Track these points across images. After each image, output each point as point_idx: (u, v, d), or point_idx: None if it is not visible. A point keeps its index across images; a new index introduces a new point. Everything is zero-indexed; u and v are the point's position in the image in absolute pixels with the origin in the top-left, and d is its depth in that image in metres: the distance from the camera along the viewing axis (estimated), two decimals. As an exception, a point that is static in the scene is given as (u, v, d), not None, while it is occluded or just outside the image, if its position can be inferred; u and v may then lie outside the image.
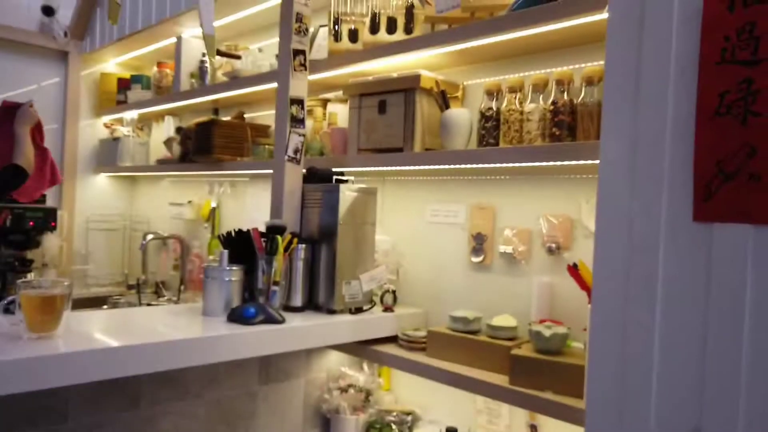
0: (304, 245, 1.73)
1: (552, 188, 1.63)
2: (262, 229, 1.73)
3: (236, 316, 1.51)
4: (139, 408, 1.47)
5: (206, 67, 2.62)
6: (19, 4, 3.07)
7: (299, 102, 1.85)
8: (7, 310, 1.30)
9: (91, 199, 3.38)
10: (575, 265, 1.36)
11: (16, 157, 2.07)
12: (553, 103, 1.46)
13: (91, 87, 3.37)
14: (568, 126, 1.44)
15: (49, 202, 2.86)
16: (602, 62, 1.35)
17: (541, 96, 1.52)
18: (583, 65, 1.54)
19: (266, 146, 2.26)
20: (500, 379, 1.42)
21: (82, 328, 1.38)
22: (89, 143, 3.38)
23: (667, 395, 0.99)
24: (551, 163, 1.40)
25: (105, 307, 2.86)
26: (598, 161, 1.12)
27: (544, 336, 1.37)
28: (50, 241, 2.94)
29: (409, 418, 1.84)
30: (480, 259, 1.74)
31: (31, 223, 2.63)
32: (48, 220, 2.70)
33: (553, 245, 1.58)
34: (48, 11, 3.08)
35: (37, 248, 2.79)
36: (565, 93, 1.46)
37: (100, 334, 1.35)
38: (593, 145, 1.30)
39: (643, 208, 1.06)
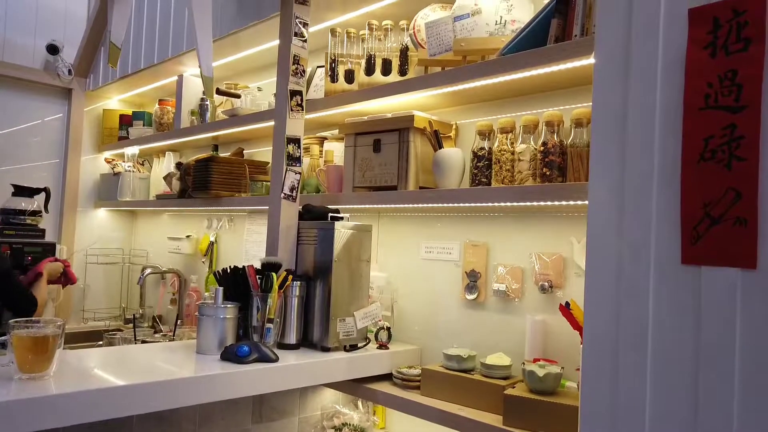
0: (299, 282, 1.74)
1: (543, 226, 1.64)
2: (258, 265, 1.74)
3: (230, 355, 1.51)
4: (130, 449, 1.46)
5: (206, 104, 2.67)
6: (26, 43, 3.15)
7: (295, 141, 1.88)
8: (2, 345, 1.30)
9: (90, 233, 3.39)
10: (568, 305, 1.37)
11: (34, 289, 2.26)
12: (544, 143, 1.48)
13: (93, 123, 3.43)
14: (559, 166, 1.46)
15: (49, 237, 2.88)
16: (590, 104, 1.38)
17: (532, 137, 1.55)
18: (572, 106, 1.57)
19: (264, 183, 2.29)
20: (494, 419, 1.41)
21: (74, 368, 1.38)
22: (90, 178, 3.41)
23: (659, 438, 0.99)
24: (542, 203, 1.42)
25: (100, 343, 2.85)
26: (587, 202, 1.14)
27: (538, 376, 1.37)
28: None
29: (404, 458, 1.81)
30: (474, 296, 1.75)
31: (29, 258, 2.64)
32: (46, 254, 2.71)
33: (546, 283, 1.58)
34: (53, 50, 3.15)
35: (35, 283, 2.79)
36: (555, 134, 1.49)
37: (92, 374, 1.35)
38: (583, 185, 1.32)
39: (632, 250, 1.07)
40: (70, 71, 3.24)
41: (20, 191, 2.78)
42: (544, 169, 1.47)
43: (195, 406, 1.58)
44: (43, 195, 2.84)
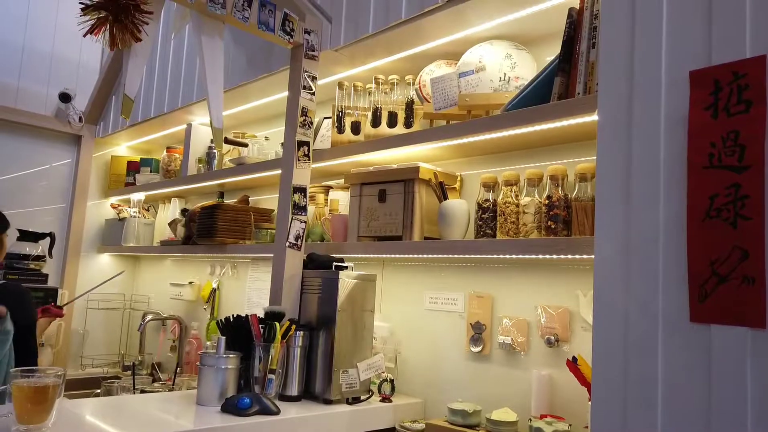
0: (302, 332, 1.73)
1: (549, 278, 1.64)
2: (261, 314, 1.73)
3: (231, 407, 1.48)
4: (126, 505, 1.41)
5: (214, 152, 2.71)
6: (39, 91, 3.22)
7: (302, 190, 1.91)
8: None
9: (92, 277, 3.37)
10: (575, 360, 1.35)
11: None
12: (548, 197, 1.50)
13: (101, 168, 3.47)
14: (563, 220, 1.47)
15: (51, 281, 2.87)
16: (594, 158, 1.40)
17: (536, 190, 1.56)
18: (576, 160, 1.59)
19: (269, 230, 2.30)
20: (501, 479, 1.37)
21: (72, 419, 1.35)
22: (95, 223, 3.43)
23: (672, 504, 0.96)
24: (548, 257, 1.42)
25: (98, 391, 2.80)
26: (593, 256, 1.14)
27: (545, 433, 1.34)
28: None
29: None
30: (479, 348, 1.73)
31: (30, 303, 2.62)
32: (48, 300, 2.70)
33: (552, 337, 1.57)
34: (65, 98, 3.22)
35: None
36: (560, 188, 1.50)
37: (91, 427, 1.32)
38: (588, 240, 1.33)
39: (640, 306, 1.06)
40: (80, 118, 3.31)
41: (25, 236, 2.79)
42: (549, 222, 1.48)
43: (193, 461, 1.54)
44: (47, 240, 2.85)
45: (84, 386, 2.95)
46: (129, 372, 2.91)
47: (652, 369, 1.03)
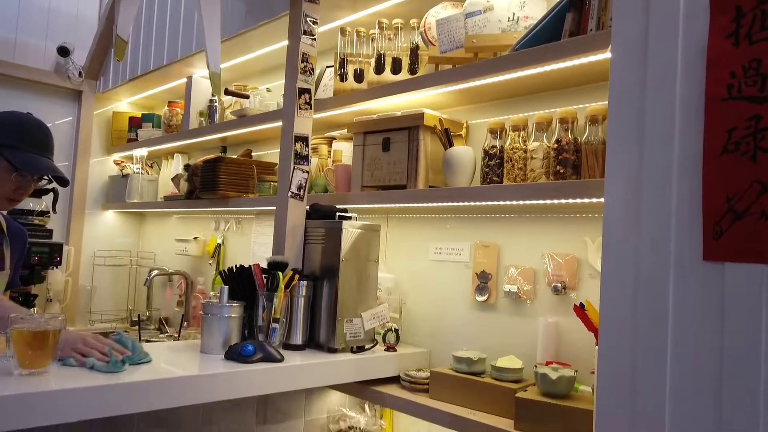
0: (305, 282, 1.71)
1: (557, 227, 1.60)
2: (264, 264, 1.71)
3: (234, 354, 1.48)
4: (132, 449, 1.43)
5: (215, 106, 2.65)
6: (37, 45, 3.16)
7: (303, 139, 1.86)
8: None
9: (98, 234, 3.38)
10: (582, 306, 1.33)
11: None
12: (557, 141, 1.45)
13: (102, 125, 3.43)
14: (573, 164, 1.42)
15: (56, 237, 2.87)
16: (606, 102, 1.34)
17: (545, 134, 1.51)
18: (585, 105, 1.53)
19: (272, 183, 2.27)
20: (505, 423, 1.36)
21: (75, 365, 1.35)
22: (99, 180, 3.41)
23: (680, 443, 0.94)
24: (555, 201, 1.38)
25: (105, 343, 2.82)
26: (603, 199, 1.10)
27: (551, 379, 1.32)
28: (55, 276, 2.94)
29: (412, 464, 1.77)
30: (484, 298, 1.71)
31: (35, 258, 2.63)
32: (53, 255, 2.70)
33: (559, 285, 1.54)
34: (64, 52, 3.16)
35: (42, 283, 2.78)
36: (570, 131, 1.45)
37: (91, 372, 1.32)
38: (598, 183, 1.28)
39: (651, 247, 1.03)
40: (80, 73, 3.25)
41: (28, 191, 2.77)
42: (558, 167, 1.43)
43: (198, 407, 1.54)
44: (51, 195, 2.83)
45: (92, 340, 2.98)
46: (137, 327, 2.94)
47: (663, 310, 1.00)
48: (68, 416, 1.15)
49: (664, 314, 1.00)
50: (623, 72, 1.10)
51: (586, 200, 1.32)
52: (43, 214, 2.77)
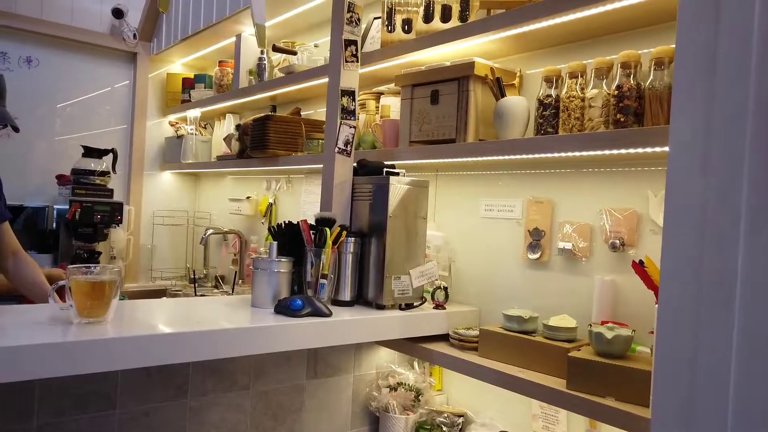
0: (353, 238, 1.70)
1: (615, 181, 1.51)
2: (312, 221, 1.70)
3: (283, 308, 1.49)
4: (186, 398, 1.48)
5: (264, 64, 2.64)
6: (91, 7, 3.22)
7: (350, 93, 1.82)
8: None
9: (156, 194, 3.49)
10: (641, 262, 1.25)
11: None
12: (618, 87, 1.35)
13: (157, 87, 3.49)
14: (635, 112, 1.33)
15: (116, 197, 2.97)
16: (673, 45, 1.23)
17: (605, 81, 1.41)
18: (648, 50, 1.41)
19: (320, 141, 2.25)
20: (557, 383, 1.32)
21: (132, 315, 1.40)
22: (156, 141, 3.50)
23: (745, 407, 0.88)
24: (615, 152, 1.29)
25: (163, 298, 2.94)
26: (667, 148, 1.02)
27: (606, 338, 1.27)
28: (117, 235, 3.06)
29: (461, 420, 1.76)
30: (537, 255, 1.65)
31: (98, 217, 2.74)
32: (114, 214, 2.81)
33: (617, 241, 1.46)
34: (118, 14, 3.21)
35: (105, 241, 2.90)
36: (632, 77, 1.35)
37: (148, 322, 1.36)
38: (662, 130, 1.19)
39: (719, 197, 0.94)
40: (134, 35, 3.30)
41: (89, 152, 2.87)
42: (618, 116, 1.34)
43: (249, 360, 1.58)
44: (110, 156, 2.93)
45: (151, 296, 3.11)
46: (194, 284, 3.04)
47: (731, 267, 0.92)
48: (125, 363, 1.19)
49: (733, 271, 0.92)
50: (693, 6, 1.00)
51: (648, 149, 1.23)
52: (104, 174, 2.87)
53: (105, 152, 2.91)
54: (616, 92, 1.35)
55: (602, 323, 1.38)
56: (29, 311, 1.38)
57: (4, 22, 2.96)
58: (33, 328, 1.19)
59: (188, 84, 3.35)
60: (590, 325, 1.35)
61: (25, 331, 1.16)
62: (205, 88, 3.24)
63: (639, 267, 1.24)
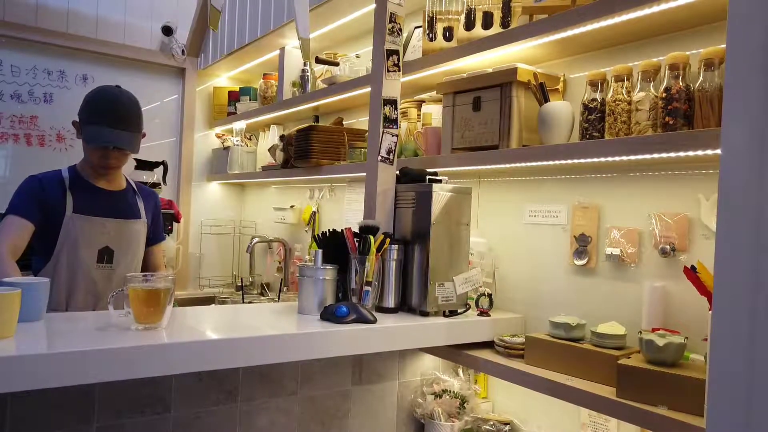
0: (396, 246, 1.71)
1: (665, 185, 1.48)
2: (356, 228, 1.73)
3: (328, 315, 1.52)
4: (237, 402, 1.51)
5: (307, 75, 2.70)
6: (142, 25, 3.35)
7: (392, 102, 1.84)
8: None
9: (204, 204, 3.60)
10: (693, 268, 1.22)
11: None
12: (666, 89, 1.32)
13: (204, 101, 3.61)
14: (684, 114, 1.30)
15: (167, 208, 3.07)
16: (723, 45, 1.20)
17: (652, 84, 1.39)
18: (696, 51, 1.38)
19: (362, 150, 2.28)
20: (606, 391, 1.30)
21: (185, 322, 1.45)
22: (203, 153, 3.61)
23: (809, 417, 0.85)
24: (665, 155, 1.27)
25: (212, 306, 3.01)
26: (719, 151, 0.99)
27: (657, 345, 1.24)
28: (168, 244, 3.16)
29: (507, 428, 1.75)
30: (584, 262, 1.62)
31: (150, 226, 2.83)
32: (165, 224, 2.90)
33: (668, 246, 1.43)
34: (167, 31, 3.33)
35: (156, 250, 3.00)
36: (681, 78, 1.32)
37: (201, 328, 1.41)
38: (713, 132, 1.16)
39: (776, 200, 0.92)
40: (183, 51, 3.42)
41: (142, 165, 2.98)
42: (667, 119, 1.31)
43: (296, 365, 1.61)
44: (161, 168, 3.04)
45: (200, 303, 3.20)
46: (241, 292, 3.11)
47: (790, 271, 0.90)
48: (179, 367, 1.23)
49: (792, 276, 0.89)
50: (745, 3, 0.97)
51: (699, 152, 1.20)
52: (155, 185, 2.97)
53: (156, 164, 3.02)
54: (665, 95, 1.32)
55: (653, 330, 1.35)
56: (89, 318, 1.44)
57: (62, 42, 3.12)
58: (94, 334, 1.25)
59: (234, 97, 3.44)
60: (640, 332, 1.32)
61: (87, 337, 1.22)
62: (250, 100, 3.32)
63: (691, 273, 1.21)
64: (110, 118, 1.85)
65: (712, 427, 0.97)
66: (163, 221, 2.87)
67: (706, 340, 1.13)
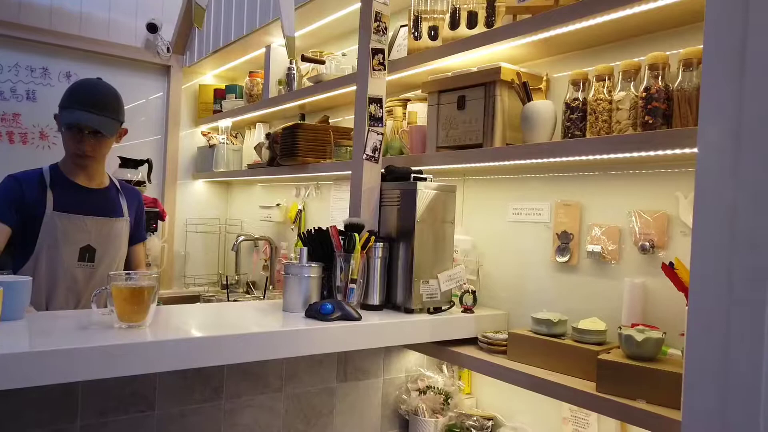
0: (381, 243, 1.72)
1: (645, 183, 1.50)
2: (341, 226, 1.73)
3: (314, 312, 1.52)
4: (221, 400, 1.52)
5: (293, 73, 2.70)
6: (127, 22, 3.33)
7: (377, 101, 1.85)
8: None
9: (189, 203, 3.58)
10: (671, 264, 1.25)
11: None
12: (646, 89, 1.35)
13: (190, 98, 3.59)
14: (663, 113, 1.32)
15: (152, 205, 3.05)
16: (699, 46, 1.22)
17: (632, 83, 1.41)
18: (676, 51, 1.41)
19: (348, 148, 2.29)
20: (587, 386, 1.32)
21: (169, 320, 1.45)
22: (188, 151, 3.59)
23: (780, 409, 0.87)
24: (644, 153, 1.29)
25: (197, 304, 3.00)
26: (696, 149, 1.01)
27: (636, 340, 1.26)
28: (153, 242, 3.14)
29: (490, 423, 1.76)
30: (566, 259, 1.65)
31: (134, 225, 2.81)
32: (150, 222, 2.88)
33: (647, 243, 1.45)
34: (152, 28, 3.31)
35: (141, 249, 2.98)
36: (660, 78, 1.34)
37: (185, 326, 1.41)
38: (691, 131, 1.19)
39: (750, 198, 0.94)
40: (168, 48, 3.40)
41: (125, 163, 2.96)
42: (647, 118, 1.34)
43: (281, 363, 1.61)
44: (146, 166, 3.02)
45: (185, 302, 3.19)
46: (226, 290, 3.11)
47: (763, 266, 0.92)
48: (163, 365, 1.23)
49: (764, 272, 0.92)
50: (721, 5, 1.00)
51: (677, 151, 1.22)
52: (140, 183, 2.96)
53: (141, 162, 3.00)
54: (644, 94, 1.35)
55: (632, 326, 1.38)
56: (71, 316, 1.44)
57: (45, 39, 3.09)
58: (76, 333, 1.24)
59: (219, 95, 3.43)
60: (620, 328, 1.34)
61: (70, 336, 1.22)
62: (235, 98, 3.31)
63: (669, 269, 1.24)
64: (86, 102, 1.85)
65: (688, 419, 0.99)
66: (148, 220, 2.86)
67: (683, 335, 1.16)
